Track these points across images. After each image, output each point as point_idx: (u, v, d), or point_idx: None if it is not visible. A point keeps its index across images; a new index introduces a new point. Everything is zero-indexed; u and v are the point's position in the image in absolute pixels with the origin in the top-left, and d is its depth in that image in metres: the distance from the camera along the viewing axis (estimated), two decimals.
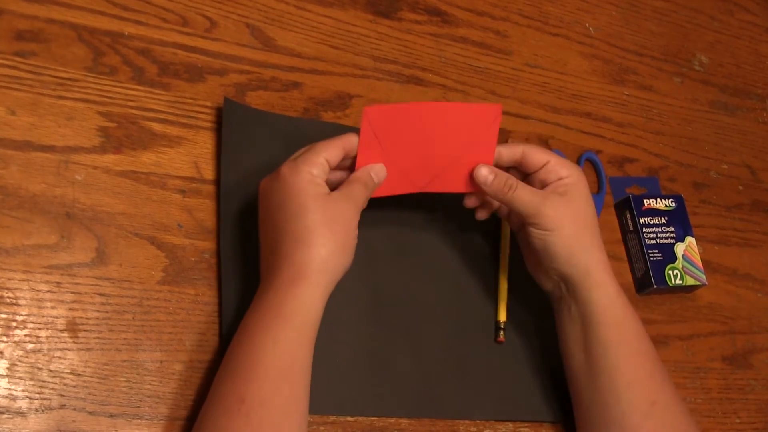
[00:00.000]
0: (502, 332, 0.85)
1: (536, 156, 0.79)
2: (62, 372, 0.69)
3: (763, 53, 1.21)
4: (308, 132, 0.83)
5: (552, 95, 1.02)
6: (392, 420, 0.78)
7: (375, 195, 0.77)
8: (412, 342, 0.81)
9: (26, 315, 0.69)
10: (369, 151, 0.75)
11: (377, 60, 0.93)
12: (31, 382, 0.68)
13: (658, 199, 0.98)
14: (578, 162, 0.98)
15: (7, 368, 0.67)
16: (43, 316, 0.69)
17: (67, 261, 0.72)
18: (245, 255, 0.77)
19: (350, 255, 0.72)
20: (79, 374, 0.69)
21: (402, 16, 0.96)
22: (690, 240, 0.97)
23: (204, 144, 0.81)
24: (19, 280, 0.70)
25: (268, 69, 0.87)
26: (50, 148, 0.74)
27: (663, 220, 0.97)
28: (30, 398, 0.67)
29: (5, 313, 0.69)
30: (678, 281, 0.94)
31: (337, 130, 0.76)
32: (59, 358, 0.69)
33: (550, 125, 1.00)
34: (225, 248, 0.77)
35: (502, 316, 0.85)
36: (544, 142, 0.98)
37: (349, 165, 0.76)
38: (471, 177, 0.79)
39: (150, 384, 0.71)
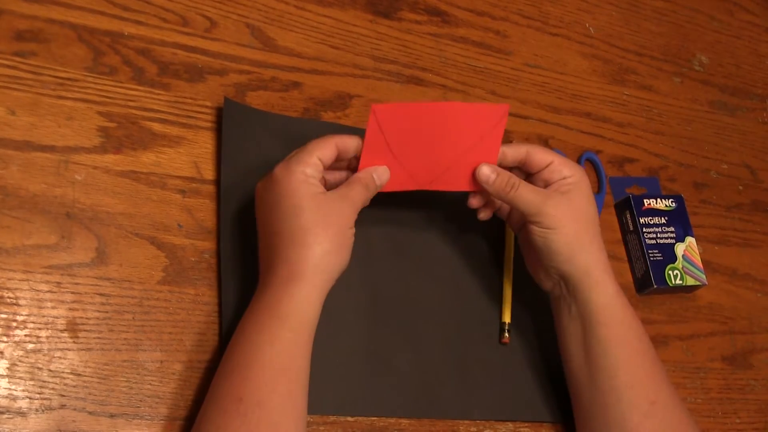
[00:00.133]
0: (507, 333, 0.85)
1: (540, 156, 0.79)
2: (62, 372, 0.69)
3: (763, 53, 1.21)
4: (308, 132, 0.83)
5: (552, 95, 1.01)
6: (392, 420, 0.78)
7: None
8: (412, 342, 0.81)
9: (26, 315, 0.69)
10: (374, 149, 0.75)
11: (377, 60, 0.93)
12: (32, 382, 0.68)
13: (658, 199, 0.98)
14: (578, 162, 0.98)
15: (8, 368, 0.67)
16: (44, 316, 0.70)
17: (67, 261, 0.72)
18: (245, 255, 0.77)
19: (346, 254, 0.72)
20: (79, 374, 0.69)
21: (402, 16, 0.96)
22: (690, 240, 0.97)
23: (204, 144, 0.81)
24: (20, 280, 0.70)
25: (268, 69, 0.87)
26: (50, 148, 0.74)
27: (663, 220, 0.97)
28: (30, 398, 0.67)
29: (5, 313, 0.69)
30: (678, 281, 0.94)
31: (337, 130, 0.76)
32: (59, 358, 0.69)
33: (550, 125, 1.00)
34: (225, 248, 0.77)
35: (507, 317, 0.85)
36: (544, 142, 0.98)
37: (351, 165, 0.76)
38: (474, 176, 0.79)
39: (150, 384, 0.71)
